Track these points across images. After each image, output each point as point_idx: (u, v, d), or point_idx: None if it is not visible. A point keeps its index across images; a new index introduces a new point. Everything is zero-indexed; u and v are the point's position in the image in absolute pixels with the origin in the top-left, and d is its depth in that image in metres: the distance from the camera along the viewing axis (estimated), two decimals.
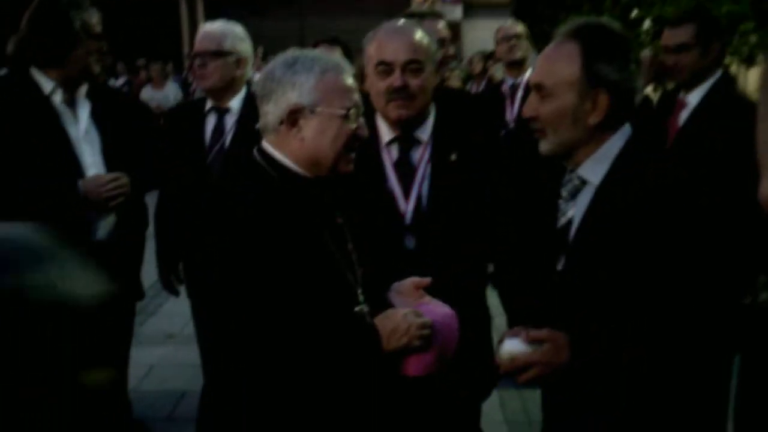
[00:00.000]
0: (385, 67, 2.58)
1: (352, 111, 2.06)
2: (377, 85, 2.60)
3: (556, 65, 1.99)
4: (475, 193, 2.66)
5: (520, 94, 5.26)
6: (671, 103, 3.78)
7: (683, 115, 3.66)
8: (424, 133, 2.68)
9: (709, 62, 3.61)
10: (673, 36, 3.68)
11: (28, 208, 3.02)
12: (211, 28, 3.61)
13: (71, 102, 3.26)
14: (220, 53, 3.46)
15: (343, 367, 2.02)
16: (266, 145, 2.10)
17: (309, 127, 2.03)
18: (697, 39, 3.59)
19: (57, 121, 3.19)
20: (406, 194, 2.64)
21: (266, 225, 1.95)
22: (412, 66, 2.57)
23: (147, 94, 12.07)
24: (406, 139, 2.68)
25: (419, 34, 2.64)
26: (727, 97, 3.59)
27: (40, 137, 3.12)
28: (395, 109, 2.59)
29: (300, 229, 2.01)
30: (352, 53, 5.30)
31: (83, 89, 3.30)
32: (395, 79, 2.56)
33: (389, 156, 2.68)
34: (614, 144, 2.00)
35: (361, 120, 2.10)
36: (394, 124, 2.66)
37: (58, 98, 3.21)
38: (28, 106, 3.14)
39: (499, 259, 2.86)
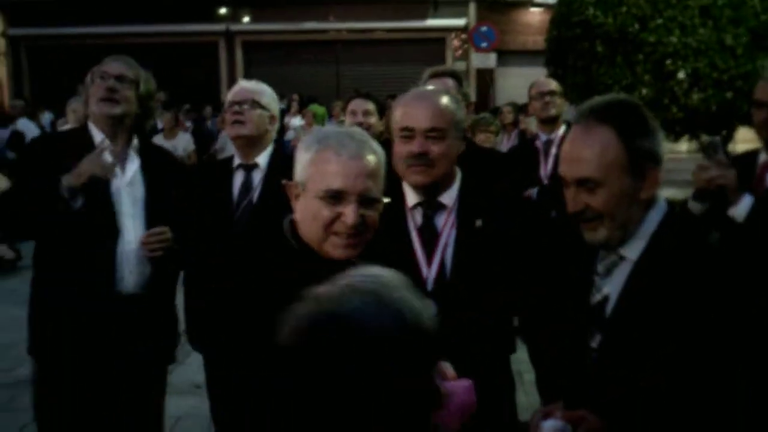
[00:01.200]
0: (408, 133, 2.59)
1: (336, 194, 1.97)
2: (399, 150, 2.61)
3: (597, 155, 1.95)
4: (500, 261, 2.61)
5: (554, 151, 5.23)
6: (748, 163, 3.57)
7: None
8: (449, 198, 2.66)
9: None
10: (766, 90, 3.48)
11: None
12: (249, 83, 3.75)
13: (122, 154, 3.36)
14: (258, 104, 3.56)
15: None
16: (296, 218, 2.09)
17: (300, 203, 2.03)
18: None
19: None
20: (429, 260, 2.61)
21: (274, 297, 1.96)
22: (434, 134, 2.57)
23: (157, 142, 12.07)
24: (430, 204, 2.66)
25: (444, 101, 2.63)
26: None
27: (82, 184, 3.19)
28: (413, 174, 2.59)
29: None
30: (385, 108, 5.38)
31: (134, 143, 3.41)
32: (415, 145, 2.56)
33: (413, 220, 2.66)
34: (652, 219, 1.99)
35: (351, 207, 1.98)
36: (416, 188, 2.67)
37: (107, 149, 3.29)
38: (77, 156, 3.21)
39: (528, 319, 2.82)
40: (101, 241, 3.21)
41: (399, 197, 2.64)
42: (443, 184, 2.66)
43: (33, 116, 12.97)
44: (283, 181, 2.11)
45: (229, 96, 3.67)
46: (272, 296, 1.90)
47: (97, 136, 3.31)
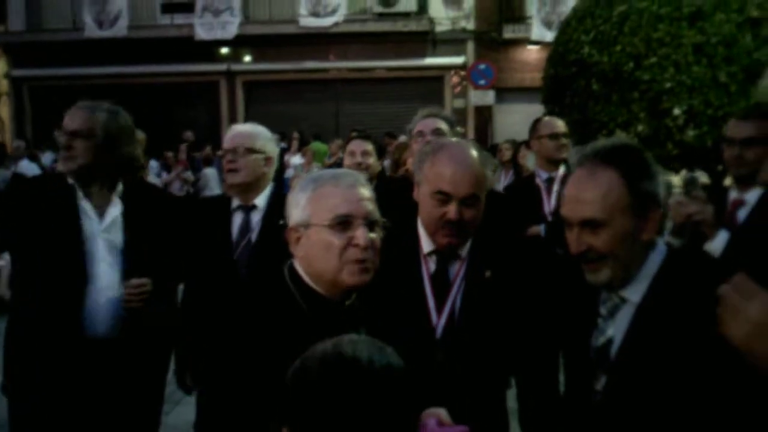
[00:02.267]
0: (443, 197, 2.55)
1: (344, 219, 2.00)
2: (431, 212, 2.56)
3: (601, 196, 1.99)
4: (506, 311, 2.60)
5: (556, 188, 5.25)
6: (721, 199, 3.70)
7: (741, 214, 3.59)
8: (464, 248, 2.65)
9: None
10: (739, 128, 3.63)
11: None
12: (243, 128, 3.78)
13: (101, 200, 3.36)
14: (251, 150, 3.60)
15: None
16: (296, 263, 2.10)
17: (305, 243, 2.04)
18: (765, 134, 3.52)
19: (74, 213, 3.28)
20: (440, 308, 2.60)
21: (280, 344, 1.95)
22: (470, 201, 2.56)
23: None
24: (445, 254, 2.65)
25: (478, 164, 2.61)
26: None
27: (54, 226, 3.23)
28: (445, 237, 2.56)
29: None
30: (383, 148, 5.45)
31: (119, 188, 3.41)
32: (452, 211, 2.52)
33: (427, 267, 2.65)
34: (653, 261, 2.02)
35: (361, 230, 2.02)
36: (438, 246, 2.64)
37: (79, 195, 3.31)
38: (52, 198, 3.28)
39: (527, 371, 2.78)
40: (70, 287, 3.21)
41: (414, 242, 2.65)
42: None
43: (34, 157, 13.05)
44: (282, 223, 2.13)
45: (225, 142, 3.70)
46: (278, 345, 1.90)
47: (70, 180, 3.32)
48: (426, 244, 2.66)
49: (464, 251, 2.65)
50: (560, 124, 5.43)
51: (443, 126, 4.06)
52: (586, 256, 2.02)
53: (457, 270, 2.64)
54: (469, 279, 2.62)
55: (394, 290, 2.35)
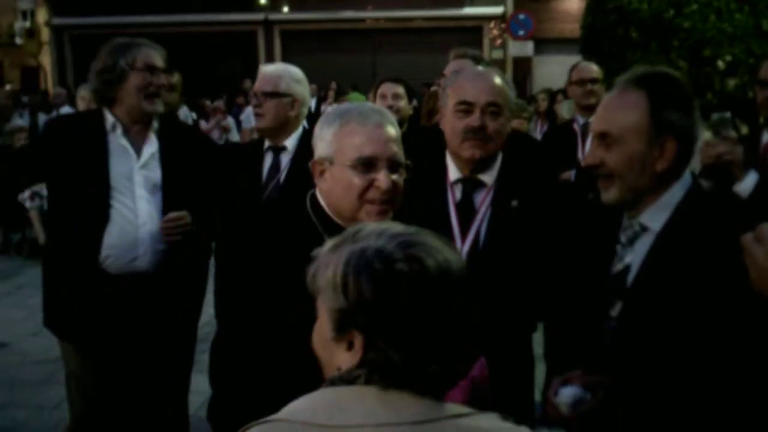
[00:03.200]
0: (466, 107, 2.60)
1: (367, 161, 2.01)
2: (455, 124, 2.62)
3: (622, 113, 1.99)
4: (532, 242, 2.63)
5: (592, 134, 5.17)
6: (754, 143, 3.66)
7: None
8: (490, 176, 2.68)
9: None
10: None
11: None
12: (268, 69, 3.74)
13: (138, 137, 3.39)
14: (275, 94, 3.57)
15: None
16: (317, 193, 2.15)
17: (329, 178, 2.06)
18: None
19: (104, 155, 3.31)
20: (463, 235, 2.64)
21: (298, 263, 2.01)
22: (492, 108, 2.60)
23: None
24: (471, 181, 2.69)
25: (500, 80, 2.67)
26: None
27: (86, 167, 3.28)
28: (469, 148, 2.61)
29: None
30: (415, 91, 5.42)
31: (154, 126, 3.43)
32: (474, 119, 2.58)
33: (453, 195, 2.69)
34: (676, 191, 2.00)
35: (383, 173, 2.02)
36: (464, 163, 2.68)
37: (118, 133, 3.34)
38: (85, 139, 3.32)
39: (552, 307, 2.83)
40: (100, 223, 3.27)
41: (441, 171, 2.69)
42: (487, 161, 2.69)
43: (75, 104, 13.23)
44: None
45: (255, 85, 3.70)
46: (291, 265, 1.97)
47: (110, 118, 3.34)
48: (453, 173, 2.70)
49: (490, 180, 2.68)
50: (590, 70, 5.30)
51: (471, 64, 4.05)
52: (597, 170, 2.04)
53: (483, 198, 2.67)
54: (495, 207, 2.65)
55: (419, 217, 2.39)
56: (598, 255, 2.15)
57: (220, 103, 15.24)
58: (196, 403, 4.60)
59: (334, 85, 17.02)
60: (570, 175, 4.98)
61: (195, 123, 15.22)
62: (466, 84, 2.64)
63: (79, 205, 3.27)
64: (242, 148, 4.30)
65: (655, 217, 2.00)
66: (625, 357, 1.98)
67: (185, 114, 14.39)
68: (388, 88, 5.02)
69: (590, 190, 4.55)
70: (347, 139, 2.03)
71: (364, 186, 2.01)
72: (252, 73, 20.93)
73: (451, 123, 2.64)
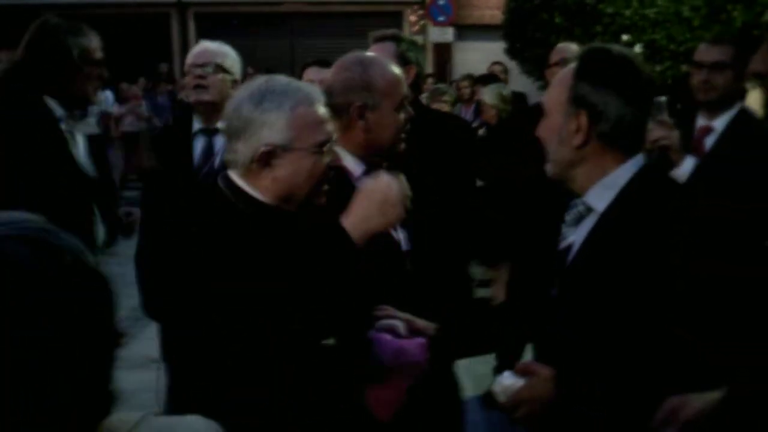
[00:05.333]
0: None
1: (327, 145, 2.03)
2: (397, 120, 2.51)
3: (553, 87, 2.03)
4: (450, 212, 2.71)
5: None
6: (688, 126, 3.61)
7: (709, 141, 3.54)
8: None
9: (739, 87, 3.49)
10: (709, 53, 3.55)
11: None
12: (212, 45, 3.59)
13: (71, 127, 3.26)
14: (221, 68, 3.42)
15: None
16: (233, 176, 2.05)
17: (282, 166, 1.99)
18: (734, 60, 3.44)
19: (66, 146, 3.19)
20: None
21: (229, 250, 1.92)
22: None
23: None
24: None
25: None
26: (754, 127, 3.43)
27: (54, 163, 3.11)
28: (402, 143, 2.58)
29: (265, 255, 1.94)
30: None
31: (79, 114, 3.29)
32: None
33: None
34: (623, 173, 1.96)
35: (332, 152, 2.08)
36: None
37: (67, 124, 3.20)
38: (42, 131, 3.12)
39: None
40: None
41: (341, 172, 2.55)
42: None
43: None
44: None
45: (190, 58, 3.48)
46: (226, 258, 1.87)
47: (56, 109, 3.18)
48: (355, 167, 2.54)
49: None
50: (557, 52, 4.87)
51: (392, 47, 3.86)
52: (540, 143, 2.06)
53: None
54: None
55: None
56: (545, 233, 2.18)
57: (136, 89, 14.74)
58: (125, 400, 4.35)
59: (250, 70, 16.67)
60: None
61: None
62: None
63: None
64: (169, 131, 4.05)
65: (599, 197, 1.97)
66: (560, 339, 1.97)
67: (109, 97, 13.81)
68: (315, 74, 4.76)
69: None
70: (304, 124, 1.98)
71: (326, 169, 2.03)
72: (165, 57, 20.38)
73: (388, 121, 2.52)
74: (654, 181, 1.98)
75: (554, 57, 4.95)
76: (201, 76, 3.39)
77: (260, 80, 2.05)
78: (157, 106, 14.94)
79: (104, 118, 14.07)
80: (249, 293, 1.87)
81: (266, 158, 1.97)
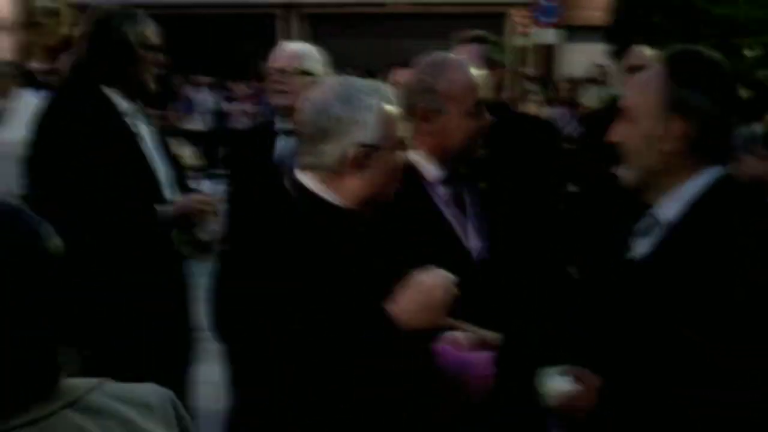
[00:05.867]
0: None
1: (406, 142, 2.03)
2: (470, 126, 2.48)
3: (638, 89, 1.96)
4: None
5: None
6: None
7: None
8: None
9: None
10: None
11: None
12: (293, 46, 3.60)
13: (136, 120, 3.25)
14: (301, 71, 3.41)
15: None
16: (302, 178, 1.98)
17: (371, 166, 1.95)
18: None
19: (136, 142, 3.16)
20: (465, 231, 2.54)
21: (295, 262, 1.85)
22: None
23: None
24: (453, 177, 2.58)
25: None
26: None
27: (125, 160, 3.09)
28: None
29: (329, 265, 1.89)
30: None
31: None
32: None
33: (437, 193, 2.56)
34: (696, 184, 1.88)
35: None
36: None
37: (131, 116, 3.18)
38: (109, 128, 3.09)
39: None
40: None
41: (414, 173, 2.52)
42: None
43: None
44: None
45: (272, 60, 3.51)
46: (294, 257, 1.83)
47: (120, 102, 3.18)
48: (431, 172, 2.52)
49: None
50: (632, 57, 4.78)
51: (475, 49, 3.79)
52: (618, 148, 1.98)
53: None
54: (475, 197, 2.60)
55: (413, 228, 2.31)
56: (616, 244, 2.10)
57: (244, 88, 15.14)
58: (204, 395, 4.37)
59: (350, 71, 16.82)
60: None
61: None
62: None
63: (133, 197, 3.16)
64: (250, 133, 4.12)
65: (669, 208, 1.90)
66: (609, 349, 1.93)
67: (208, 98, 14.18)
68: (403, 77, 4.75)
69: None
70: (389, 122, 1.96)
71: (401, 166, 2.01)
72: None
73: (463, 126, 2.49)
74: (728, 195, 1.88)
75: (631, 61, 4.79)
76: (279, 81, 3.40)
77: (337, 80, 2.04)
78: (262, 105, 15.31)
79: (213, 116, 14.56)
80: (324, 309, 1.81)
81: (358, 159, 1.93)
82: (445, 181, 2.53)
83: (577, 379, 1.93)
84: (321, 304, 1.80)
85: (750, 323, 1.67)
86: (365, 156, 1.92)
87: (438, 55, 2.57)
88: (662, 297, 1.81)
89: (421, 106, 2.39)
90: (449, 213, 2.52)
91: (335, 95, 1.95)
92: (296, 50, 3.51)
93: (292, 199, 1.96)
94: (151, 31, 3.17)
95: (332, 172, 1.94)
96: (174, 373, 3.36)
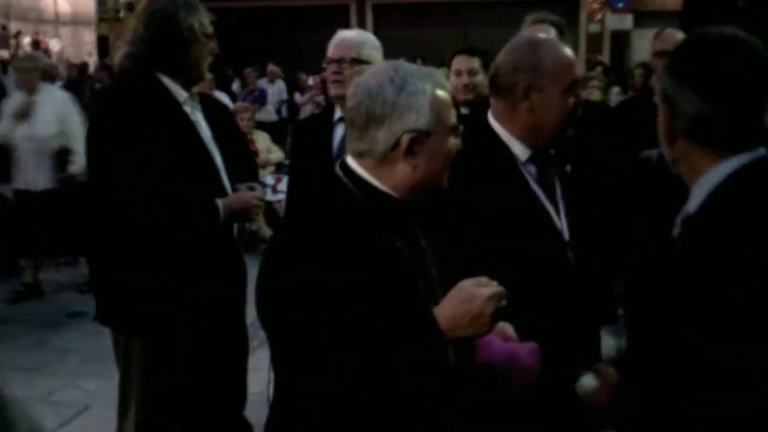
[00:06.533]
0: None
1: (459, 128, 1.97)
2: (563, 106, 2.45)
3: (659, 76, 1.91)
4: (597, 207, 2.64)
5: None
6: None
7: None
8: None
9: None
10: None
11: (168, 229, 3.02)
12: (349, 35, 3.55)
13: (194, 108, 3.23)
14: (357, 60, 3.39)
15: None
16: (354, 165, 1.96)
17: (425, 152, 1.91)
18: None
19: (195, 131, 3.17)
20: (556, 210, 2.53)
21: (349, 250, 1.82)
22: None
23: None
24: (542, 156, 2.55)
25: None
26: None
27: (183, 147, 3.09)
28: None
29: (382, 253, 1.88)
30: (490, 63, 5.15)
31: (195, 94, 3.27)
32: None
33: (529, 173, 2.53)
34: (717, 173, 1.77)
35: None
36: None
37: (188, 106, 3.18)
38: (168, 116, 3.10)
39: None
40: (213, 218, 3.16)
41: (505, 153, 2.52)
42: None
43: None
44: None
45: (329, 50, 3.48)
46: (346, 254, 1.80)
47: (178, 91, 3.16)
48: (521, 152, 2.51)
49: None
50: (672, 38, 4.56)
51: (552, 31, 3.78)
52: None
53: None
54: (562, 179, 2.58)
55: (501, 202, 2.33)
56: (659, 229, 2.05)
57: (317, 79, 15.29)
58: (262, 381, 4.40)
59: (419, 61, 16.83)
60: (651, 155, 4.47)
61: (290, 96, 15.43)
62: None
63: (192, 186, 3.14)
64: (310, 121, 4.17)
65: (693, 198, 1.81)
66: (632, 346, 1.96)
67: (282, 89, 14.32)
68: (462, 63, 4.65)
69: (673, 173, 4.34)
70: (441, 107, 1.92)
71: (455, 152, 1.97)
72: None
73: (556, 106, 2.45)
74: (751, 183, 1.74)
75: (658, 45, 4.65)
76: (338, 72, 3.43)
77: (388, 65, 1.98)
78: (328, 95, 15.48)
79: (285, 106, 14.77)
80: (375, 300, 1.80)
81: (412, 144, 1.88)
82: (536, 162, 2.53)
83: (598, 374, 1.94)
84: (373, 294, 1.79)
85: (750, 323, 1.60)
86: (416, 141, 1.88)
87: (531, 35, 2.56)
88: (662, 297, 1.78)
89: (522, 86, 2.37)
90: (541, 193, 2.52)
91: (389, 81, 1.91)
92: (353, 39, 3.47)
93: (345, 187, 1.93)
94: (208, 21, 3.16)
95: (383, 159, 1.91)
96: (232, 362, 3.42)
